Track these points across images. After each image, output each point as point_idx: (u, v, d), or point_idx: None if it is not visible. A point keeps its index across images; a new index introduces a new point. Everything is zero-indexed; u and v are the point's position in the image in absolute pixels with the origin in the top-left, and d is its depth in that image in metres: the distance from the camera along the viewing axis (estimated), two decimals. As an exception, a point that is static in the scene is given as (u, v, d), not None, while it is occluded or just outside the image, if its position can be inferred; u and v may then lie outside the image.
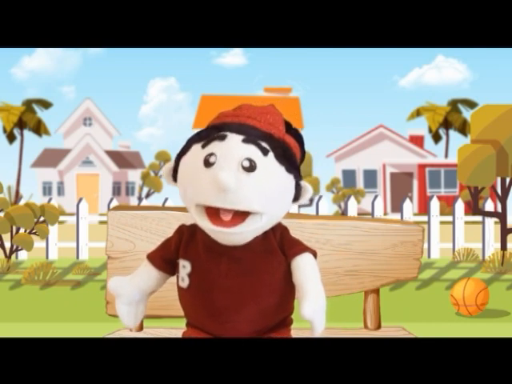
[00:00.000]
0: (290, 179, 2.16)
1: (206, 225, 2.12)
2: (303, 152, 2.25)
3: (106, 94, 58.63)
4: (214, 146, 2.11)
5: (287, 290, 2.22)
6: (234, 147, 2.10)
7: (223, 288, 2.17)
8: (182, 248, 2.24)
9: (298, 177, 2.18)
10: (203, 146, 2.14)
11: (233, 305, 2.17)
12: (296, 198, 2.19)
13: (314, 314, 2.07)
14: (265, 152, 2.11)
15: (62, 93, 55.20)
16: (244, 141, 2.11)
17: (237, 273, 2.17)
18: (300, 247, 2.20)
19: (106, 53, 50.08)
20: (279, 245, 2.20)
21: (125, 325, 2.30)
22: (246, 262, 2.17)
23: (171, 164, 2.23)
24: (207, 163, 2.09)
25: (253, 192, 2.08)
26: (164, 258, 2.28)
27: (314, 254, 2.21)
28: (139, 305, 2.29)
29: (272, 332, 2.24)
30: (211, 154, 2.10)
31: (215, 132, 2.15)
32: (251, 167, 2.08)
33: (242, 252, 2.17)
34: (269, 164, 2.11)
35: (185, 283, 2.22)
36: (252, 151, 2.10)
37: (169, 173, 2.23)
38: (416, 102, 55.52)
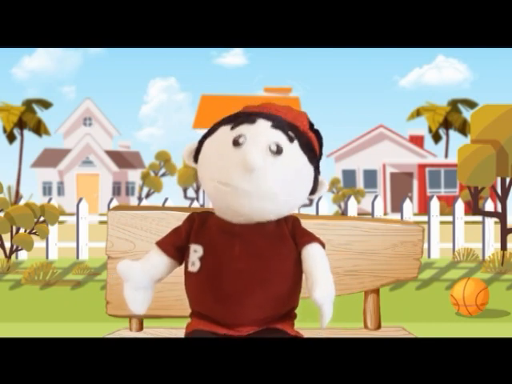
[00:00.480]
0: (310, 170, 2.24)
1: (222, 188, 2.15)
2: (321, 153, 2.33)
3: (107, 94, 58.66)
4: (244, 128, 2.19)
5: (296, 281, 2.26)
6: (263, 131, 2.18)
7: (234, 271, 2.19)
8: (193, 233, 2.27)
9: (317, 170, 2.26)
10: (232, 128, 2.20)
11: (242, 288, 2.19)
12: (312, 192, 2.27)
13: (324, 299, 2.12)
14: (291, 139, 2.20)
15: (63, 93, 55.25)
16: (273, 126, 2.20)
17: (249, 256, 2.20)
18: (310, 237, 2.26)
19: (106, 53, 50.14)
20: (291, 233, 2.25)
21: (131, 310, 2.30)
22: (258, 246, 2.21)
23: (194, 144, 2.28)
24: (236, 143, 2.16)
25: (277, 175, 2.15)
26: (174, 245, 2.30)
27: (323, 246, 2.26)
28: (146, 291, 2.29)
29: (278, 322, 2.26)
30: (240, 135, 2.17)
31: (245, 116, 2.22)
32: (278, 151, 2.16)
33: (255, 236, 2.21)
34: (294, 151, 2.20)
35: (195, 267, 2.24)
36: (279, 136, 2.19)
37: (191, 152, 2.28)
38: (416, 101, 55.54)
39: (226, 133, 2.21)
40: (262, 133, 2.18)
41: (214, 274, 2.21)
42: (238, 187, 2.13)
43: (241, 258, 2.20)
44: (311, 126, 2.31)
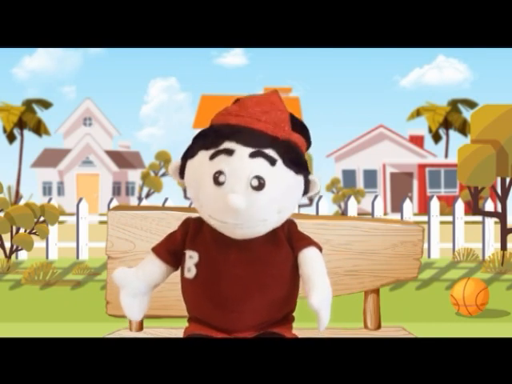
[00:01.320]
0: (298, 180, 2.20)
1: (211, 220, 2.17)
2: (309, 143, 2.27)
3: (107, 94, 58.61)
4: (222, 162, 2.14)
5: (293, 285, 2.25)
6: (242, 164, 2.13)
7: (231, 277, 2.19)
8: (188, 239, 2.26)
9: (306, 174, 2.21)
10: (211, 158, 2.16)
11: (239, 294, 2.19)
12: (305, 192, 2.23)
13: (322, 304, 2.11)
14: (273, 162, 2.15)
15: (63, 93, 55.23)
16: (251, 155, 2.14)
17: (245, 262, 2.19)
18: (307, 241, 2.24)
19: (106, 53, 50.09)
20: (287, 238, 2.24)
21: (128, 317, 2.30)
22: (254, 252, 2.20)
23: (178, 162, 2.26)
24: (217, 181, 2.13)
25: (264, 208, 2.13)
26: (169, 251, 2.29)
27: (320, 249, 2.24)
28: (144, 297, 2.29)
29: (276, 326, 2.25)
30: (220, 172, 2.13)
31: (222, 139, 2.16)
32: (260, 185, 2.12)
33: (251, 242, 2.20)
34: (278, 174, 2.15)
35: (191, 274, 2.23)
36: (260, 165, 2.13)
37: (176, 170, 2.26)
38: (417, 101, 55.42)
39: (205, 163, 2.17)
40: (241, 167, 2.12)
41: (210, 281, 2.20)
42: (229, 222, 2.14)
43: (237, 264, 2.19)
44: (294, 123, 2.23)
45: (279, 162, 2.16)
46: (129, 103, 59.62)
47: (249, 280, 2.19)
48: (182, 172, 2.25)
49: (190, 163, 2.22)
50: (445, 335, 5.33)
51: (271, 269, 2.20)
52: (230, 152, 2.14)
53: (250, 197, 2.11)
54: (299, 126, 2.25)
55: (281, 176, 2.16)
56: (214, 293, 2.20)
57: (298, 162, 2.20)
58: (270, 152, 2.15)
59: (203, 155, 2.18)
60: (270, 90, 2.28)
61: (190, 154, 2.22)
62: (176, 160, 2.27)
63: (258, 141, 2.15)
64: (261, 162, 2.14)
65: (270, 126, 2.18)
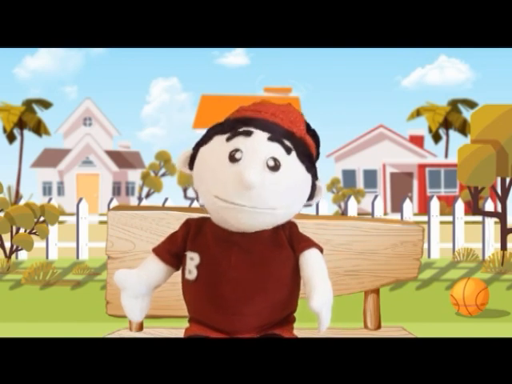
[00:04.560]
0: (308, 178, 2.21)
1: (220, 203, 2.14)
2: (318, 153, 2.30)
3: (109, 94, 58.54)
4: (240, 142, 2.15)
5: (294, 286, 2.25)
6: (259, 145, 2.14)
7: (232, 280, 2.18)
8: (189, 240, 2.26)
9: (314, 177, 2.23)
10: (228, 140, 2.16)
11: (241, 297, 2.18)
12: (310, 197, 2.24)
13: (322, 307, 2.10)
14: (288, 151, 2.16)
15: (65, 93, 55.13)
16: (269, 139, 2.15)
17: (246, 264, 2.19)
18: (308, 242, 2.24)
19: (108, 53, 50.06)
20: (288, 239, 2.23)
21: (129, 318, 2.31)
22: (255, 254, 2.19)
23: (189, 151, 2.25)
24: (233, 158, 2.13)
25: (275, 192, 2.13)
26: (170, 252, 2.29)
27: (321, 251, 2.24)
28: (144, 298, 2.29)
29: (276, 328, 2.25)
30: (237, 150, 2.13)
31: (240, 125, 2.17)
32: (276, 166, 2.13)
33: (252, 244, 2.19)
34: (291, 163, 2.16)
35: (192, 275, 2.23)
36: (277, 150, 2.15)
37: (186, 160, 2.25)
38: (418, 102, 55.27)
39: (221, 144, 2.17)
40: (259, 147, 2.13)
41: (211, 283, 2.20)
42: (237, 204, 2.12)
43: (238, 266, 2.18)
44: (308, 127, 2.27)
45: (294, 153, 2.17)
46: (131, 103, 59.66)
47: (250, 282, 2.18)
48: (191, 163, 2.24)
49: (203, 149, 2.21)
50: (445, 335, 5.33)
51: (272, 271, 2.20)
52: (248, 133, 2.15)
53: (264, 176, 2.11)
54: (312, 133, 2.28)
55: (294, 166, 2.17)
56: (214, 295, 2.20)
57: (310, 159, 2.22)
58: (286, 142, 2.17)
59: (219, 139, 2.19)
60: (271, 95, 2.30)
61: (203, 141, 2.22)
62: (186, 149, 2.26)
63: (274, 130, 2.17)
64: (278, 147, 2.15)
65: (287, 121, 2.20)
